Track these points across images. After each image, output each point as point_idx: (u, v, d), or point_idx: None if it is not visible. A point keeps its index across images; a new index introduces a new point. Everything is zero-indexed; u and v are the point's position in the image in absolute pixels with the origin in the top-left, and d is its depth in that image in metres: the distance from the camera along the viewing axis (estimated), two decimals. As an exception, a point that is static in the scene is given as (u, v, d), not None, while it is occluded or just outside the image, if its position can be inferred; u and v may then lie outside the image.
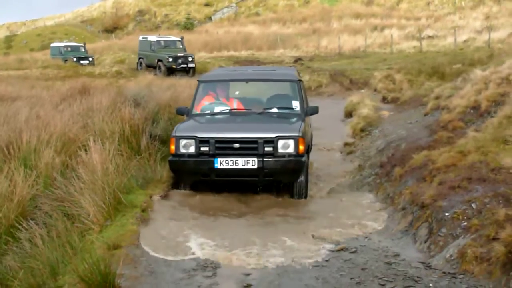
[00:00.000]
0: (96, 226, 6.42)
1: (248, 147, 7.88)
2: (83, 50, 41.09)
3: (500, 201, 6.04)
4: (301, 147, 7.94)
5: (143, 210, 7.04)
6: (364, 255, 5.90)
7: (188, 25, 60.57)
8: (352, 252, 6.00)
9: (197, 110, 9.18)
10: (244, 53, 39.32)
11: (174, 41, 34.10)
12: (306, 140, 8.37)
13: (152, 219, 6.96)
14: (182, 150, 8.05)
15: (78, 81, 18.68)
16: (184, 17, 64.44)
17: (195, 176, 8.20)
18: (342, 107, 16.96)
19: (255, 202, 8.05)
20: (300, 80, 9.66)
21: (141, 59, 33.99)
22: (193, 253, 5.96)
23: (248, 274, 5.47)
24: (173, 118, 11.06)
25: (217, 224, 7.03)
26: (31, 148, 8.41)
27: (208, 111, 9.13)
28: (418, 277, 5.20)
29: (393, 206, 7.66)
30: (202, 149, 7.95)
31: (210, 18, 66.68)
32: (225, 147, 7.92)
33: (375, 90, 19.67)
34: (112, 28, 67.76)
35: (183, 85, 18.03)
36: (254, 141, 7.89)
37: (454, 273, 5.23)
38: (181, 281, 5.31)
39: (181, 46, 33.46)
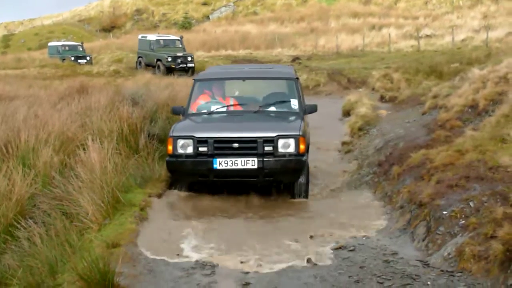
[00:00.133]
0: (94, 225, 6.42)
1: (247, 147, 7.72)
2: (81, 49, 41.10)
3: (498, 200, 6.05)
4: (302, 146, 7.82)
5: (141, 209, 7.05)
6: (362, 253, 5.91)
7: (186, 24, 60.56)
8: (351, 250, 6.01)
9: (193, 109, 9.01)
10: (242, 52, 39.33)
11: (174, 40, 34.01)
12: (306, 139, 8.25)
13: (151, 218, 6.97)
14: (180, 151, 7.88)
15: (76, 80, 18.70)
16: (182, 16, 64.39)
17: (193, 177, 8.03)
18: (340, 106, 16.97)
19: (254, 202, 7.98)
20: (297, 78, 9.52)
21: (140, 58, 33.87)
22: (189, 256, 5.89)
23: (247, 273, 5.47)
24: (171, 117, 11.04)
25: (216, 224, 6.97)
26: (30, 147, 8.42)
27: (205, 111, 8.95)
28: (416, 275, 5.21)
29: (391, 204, 7.67)
30: (201, 149, 7.78)
31: (208, 17, 66.66)
32: (224, 147, 7.75)
33: (373, 89, 19.68)
34: (109, 27, 67.70)
35: (181, 84, 18.03)
36: (253, 140, 7.73)
37: (452, 271, 5.24)
38: (180, 279, 5.32)
39: (180, 46, 33.38)
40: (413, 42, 37.11)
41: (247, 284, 5.22)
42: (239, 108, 9.08)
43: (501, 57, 14.00)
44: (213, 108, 8.97)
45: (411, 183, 7.67)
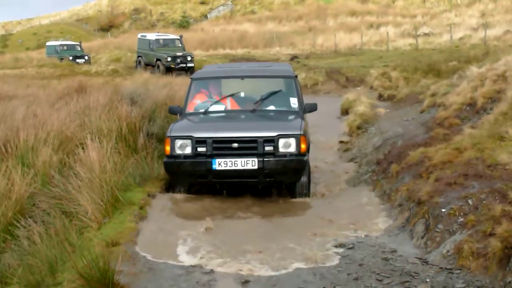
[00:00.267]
0: (94, 224, 6.43)
1: (247, 147, 7.59)
2: (79, 49, 41.07)
3: (497, 197, 6.07)
4: (303, 146, 7.69)
5: (141, 208, 7.06)
6: (361, 251, 5.91)
7: (184, 23, 60.54)
8: (350, 248, 6.02)
9: (190, 109, 8.86)
10: (240, 51, 39.31)
11: (173, 39, 33.74)
12: (307, 139, 8.12)
13: (150, 217, 6.98)
14: (178, 151, 7.74)
15: (74, 80, 18.67)
16: (180, 15, 64.38)
17: (192, 178, 7.88)
18: (338, 104, 16.97)
19: (254, 202, 7.89)
20: (296, 76, 9.39)
21: (139, 58, 33.60)
22: (187, 259, 5.81)
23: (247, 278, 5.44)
24: (169, 116, 11.00)
25: (214, 225, 6.86)
26: (29, 146, 8.43)
27: (202, 110, 8.78)
28: (415, 273, 5.22)
29: (390, 202, 7.68)
30: (199, 149, 7.65)
31: (205, 16, 66.67)
32: (223, 147, 7.62)
33: (371, 87, 19.69)
34: (107, 27, 67.66)
35: (179, 83, 18.03)
36: (253, 140, 7.60)
37: (450, 269, 5.25)
38: (179, 277, 5.33)
39: (180, 45, 33.13)
40: (411, 40, 37.14)
41: (247, 281, 5.22)
42: (237, 107, 8.90)
43: (499, 55, 14.00)
44: (211, 107, 8.81)
45: (410, 181, 7.68)
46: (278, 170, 7.62)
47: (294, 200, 8.08)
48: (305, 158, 7.79)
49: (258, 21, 57.31)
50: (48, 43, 44.25)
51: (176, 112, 8.95)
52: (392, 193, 7.83)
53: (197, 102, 8.98)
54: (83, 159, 7.38)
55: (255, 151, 7.57)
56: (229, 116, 8.69)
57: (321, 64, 28.26)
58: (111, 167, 7.26)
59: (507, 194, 6.01)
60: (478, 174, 6.80)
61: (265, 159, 7.52)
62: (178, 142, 7.76)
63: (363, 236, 6.51)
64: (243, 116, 8.54)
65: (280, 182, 8.04)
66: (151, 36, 33.92)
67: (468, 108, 10.35)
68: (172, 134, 7.85)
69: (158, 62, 31.22)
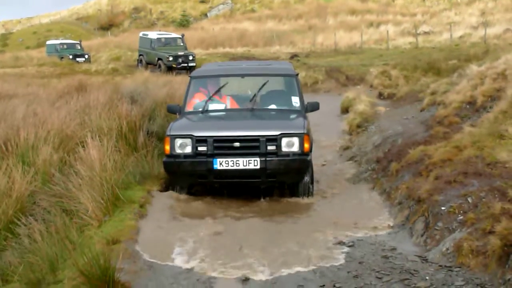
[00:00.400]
0: (94, 222, 6.45)
1: (249, 146, 7.41)
2: (79, 48, 41.01)
3: (496, 195, 6.09)
4: (306, 145, 7.52)
5: (141, 206, 7.08)
6: (361, 249, 5.93)
7: (184, 22, 60.50)
8: (350, 246, 6.04)
9: (189, 107, 8.66)
10: (240, 50, 39.25)
11: (175, 38, 33.34)
12: (311, 138, 7.91)
13: (150, 215, 6.99)
14: (178, 151, 7.55)
15: (74, 79, 18.70)
16: (180, 14, 64.34)
17: (192, 178, 7.70)
18: (338, 103, 16.97)
19: (255, 202, 7.80)
20: (297, 74, 9.20)
21: (141, 56, 33.27)
22: (185, 261, 5.72)
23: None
24: (169, 114, 10.98)
25: (215, 225, 6.82)
26: (29, 145, 8.45)
27: (202, 109, 8.57)
28: (414, 270, 5.23)
29: (390, 201, 7.70)
30: (200, 149, 7.47)
31: (205, 15, 66.62)
32: (224, 147, 7.43)
33: (371, 86, 19.70)
34: (107, 26, 67.61)
35: (179, 81, 18.03)
36: (255, 139, 7.42)
37: (450, 266, 5.27)
38: (179, 275, 5.34)
39: (181, 44, 32.75)
40: (411, 39, 37.09)
41: (247, 279, 5.24)
42: (236, 106, 8.73)
43: (499, 53, 14.02)
44: (211, 106, 8.63)
45: (410, 179, 7.70)
46: (281, 170, 7.45)
47: (295, 200, 7.93)
48: (309, 157, 7.63)
49: (258, 19, 57.28)
50: (48, 42, 44.20)
51: (175, 111, 8.76)
52: (392, 191, 7.84)
53: (196, 101, 8.82)
54: (83, 158, 7.39)
55: (257, 151, 7.39)
56: (230, 114, 8.51)
57: (321, 63, 28.24)
58: (112, 165, 7.26)
59: (506, 192, 6.03)
60: (478, 172, 6.82)
61: (267, 158, 7.35)
62: (178, 141, 7.58)
63: (363, 234, 6.51)
64: (244, 115, 8.33)
65: (282, 182, 7.89)
66: (153, 34, 33.55)
67: (468, 106, 10.37)
68: (172, 133, 7.67)
69: (160, 61, 30.95)
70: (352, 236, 6.40)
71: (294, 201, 7.94)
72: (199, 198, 7.89)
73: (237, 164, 7.34)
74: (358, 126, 13.02)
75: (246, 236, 6.40)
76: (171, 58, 30.10)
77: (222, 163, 7.35)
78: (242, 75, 9.10)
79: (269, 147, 7.42)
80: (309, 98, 9.58)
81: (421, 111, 12.42)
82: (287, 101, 8.69)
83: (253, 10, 65.00)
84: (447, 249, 5.56)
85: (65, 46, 40.67)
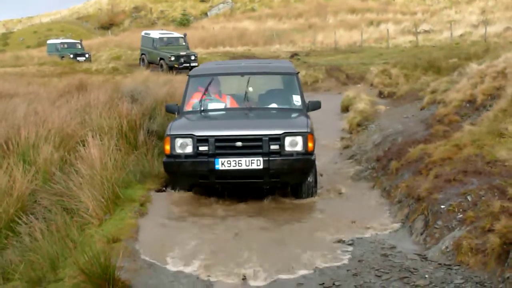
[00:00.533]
0: (95, 220, 6.48)
1: (251, 146, 7.21)
2: (80, 47, 41.02)
3: (495, 193, 6.10)
4: (310, 145, 7.36)
5: (141, 204, 7.10)
6: (360, 247, 5.95)
7: (184, 21, 60.53)
8: (349, 244, 6.05)
9: (188, 107, 8.44)
10: (240, 49, 39.28)
11: (177, 38, 33.21)
12: (314, 137, 7.67)
13: (150, 214, 7.00)
14: (178, 151, 7.35)
15: (75, 78, 18.71)
16: (180, 13, 64.35)
17: (193, 179, 7.51)
18: (338, 102, 16.96)
19: (257, 202, 7.71)
20: (298, 73, 8.99)
21: (143, 56, 33.15)
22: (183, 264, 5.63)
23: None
24: (169, 113, 11.03)
25: (215, 225, 6.78)
26: (30, 143, 8.47)
27: (201, 108, 8.37)
28: (414, 269, 5.25)
29: (390, 199, 7.71)
30: (201, 148, 7.26)
31: (206, 14, 66.64)
32: (226, 146, 7.23)
33: (371, 84, 19.70)
34: (108, 25, 67.64)
35: (180, 80, 18.04)
36: (258, 138, 7.22)
37: (449, 265, 5.28)
38: (180, 273, 5.36)
39: (184, 44, 32.63)
40: (411, 37, 37.10)
41: (244, 278, 5.25)
42: (236, 105, 8.52)
43: (499, 52, 14.01)
44: (211, 105, 8.46)
45: (410, 178, 7.70)
46: (284, 170, 7.27)
47: (298, 201, 7.81)
48: (313, 157, 7.47)
49: (258, 18, 57.30)
50: (48, 41, 44.22)
51: (174, 110, 8.57)
52: (392, 190, 7.85)
53: (195, 100, 8.60)
54: (84, 156, 7.41)
55: (259, 150, 7.20)
56: (231, 113, 8.31)
57: (321, 62, 28.25)
58: (112, 164, 7.29)
59: (506, 191, 6.03)
60: (477, 171, 6.83)
61: (270, 158, 7.16)
62: (179, 141, 7.39)
63: (363, 232, 6.52)
64: (246, 114, 8.10)
65: (285, 183, 7.74)
66: (155, 34, 33.36)
67: (467, 105, 10.37)
68: (172, 133, 7.48)
69: (162, 61, 30.79)
70: (352, 235, 6.39)
71: (295, 201, 7.87)
72: (199, 197, 7.87)
73: (240, 164, 7.15)
74: (358, 125, 13.02)
75: (247, 237, 6.34)
76: (173, 58, 29.99)
77: (224, 163, 7.16)
78: (242, 74, 8.82)
79: (272, 147, 7.24)
80: (309, 97, 9.58)
81: (421, 109, 12.42)
82: (288, 100, 8.55)
83: (253, 9, 65.01)
84: (447, 247, 5.57)
85: (65, 46, 40.68)
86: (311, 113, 9.33)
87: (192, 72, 9.16)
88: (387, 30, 38.32)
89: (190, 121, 8.05)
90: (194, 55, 30.87)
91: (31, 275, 5.37)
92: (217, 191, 7.87)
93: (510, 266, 4.81)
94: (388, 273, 5.19)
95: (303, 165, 7.37)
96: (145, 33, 34.30)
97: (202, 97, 8.53)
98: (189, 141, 7.36)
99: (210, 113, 8.36)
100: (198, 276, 5.29)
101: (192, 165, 7.31)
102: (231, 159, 7.15)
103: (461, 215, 5.97)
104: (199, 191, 8.02)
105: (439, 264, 5.34)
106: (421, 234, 6.24)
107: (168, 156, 7.46)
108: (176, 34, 34.53)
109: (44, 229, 6.05)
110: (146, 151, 9.40)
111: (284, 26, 51.11)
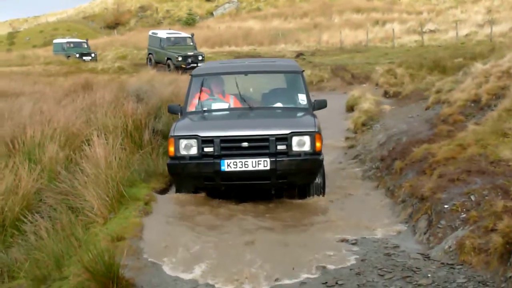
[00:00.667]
0: (100, 219, 6.51)
1: (258, 146, 7.03)
2: (86, 46, 41.14)
3: (499, 193, 6.09)
4: (318, 144, 7.18)
5: (146, 203, 7.12)
6: (364, 246, 5.95)
7: (190, 21, 60.61)
8: (352, 243, 6.06)
9: (191, 107, 8.21)
10: (245, 48, 39.34)
11: (184, 38, 33.15)
12: (322, 136, 7.52)
13: (155, 213, 7.02)
14: (183, 152, 7.15)
15: (80, 77, 18.76)
16: (186, 13, 64.41)
17: (198, 181, 7.33)
18: (343, 101, 16.97)
19: (262, 202, 7.64)
20: (303, 71, 8.76)
21: (150, 55, 33.15)
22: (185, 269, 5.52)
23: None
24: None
25: (219, 225, 6.73)
26: (35, 142, 8.51)
27: (204, 109, 8.19)
28: (417, 268, 5.25)
29: (393, 199, 7.71)
30: (206, 150, 7.07)
31: (211, 14, 66.72)
32: (232, 147, 7.04)
33: (376, 84, 19.70)
34: (114, 24, 67.81)
35: (185, 80, 18.02)
36: (265, 138, 7.03)
37: (452, 264, 5.28)
38: (182, 273, 5.39)
39: (191, 43, 32.59)
40: (416, 37, 37.10)
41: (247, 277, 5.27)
42: (240, 105, 8.29)
43: (505, 51, 13.98)
44: (214, 106, 8.26)
45: (413, 178, 7.70)
46: (292, 171, 7.09)
47: (306, 201, 7.68)
48: (321, 157, 7.30)
49: (263, 18, 57.32)
50: (54, 41, 44.39)
51: (176, 111, 8.35)
52: (396, 189, 7.85)
53: (197, 101, 8.36)
54: (89, 155, 7.44)
55: (266, 151, 7.02)
56: (235, 113, 8.09)
57: (326, 61, 28.27)
58: (117, 163, 7.32)
59: (509, 190, 6.03)
60: (481, 170, 6.82)
61: (277, 159, 6.97)
62: (183, 142, 7.19)
63: (365, 232, 6.53)
64: (251, 114, 7.93)
65: (293, 184, 7.55)
66: (162, 33, 33.30)
67: (472, 104, 10.36)
68: (176, 134, 7.28)
69: (169, 61, 30.69)
70: (355, 234, 6.40)
71: (300, 201, 7.80)
72: (204, 196, 7.83)
73: (246, 165, 6.95)
74: (363, 125, 13.03)
75: (251, 238, 6.26)
76: (180, 58, 29.91)
77: (230, 165, 6.96)
78: (246, 73, 8.63)
79: (279, 147, 7.05)
80: (314, 97, 9.57)
81: (426, 109, 12.41)
82: (293, 99, 8.37)
83: (258, 9, 65.03)
84: (450, 247, 5.57)
85: (71, 45, 40.84)
86: (316, 113, 9.33)
87: (194, 72, 8.90)
88: (393, 29, 38.32)
89: (194, 122, 7.86)
90: (201, 55, 30.79)
91: (36, 273, 5.40)
92: (222, 191, 7.76)
93: (512, 265, 4.82)
94: (391, 272, 5.19)
95: (311, 165, 7.20)
96: (153, 33, 34.24)
97: (205, 96, 8.41)
98: (193, 142, 7.17)
99: (214, 113, 8.18)
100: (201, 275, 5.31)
101: (197, 167, 7.12)
102: (237, 160, 6.96)
103: (464, 215, 5.97)
104: (204, 190, 7.92)
105: (442, 263, 5.34)
106: (425, 233, 6.24)
107: (172, 158, 7.26)
108: (183, 34, 34.43)
109: (49, 228, 6.08)
110: (151, 150, 9.44)
111: (290, 26, 51.12)
